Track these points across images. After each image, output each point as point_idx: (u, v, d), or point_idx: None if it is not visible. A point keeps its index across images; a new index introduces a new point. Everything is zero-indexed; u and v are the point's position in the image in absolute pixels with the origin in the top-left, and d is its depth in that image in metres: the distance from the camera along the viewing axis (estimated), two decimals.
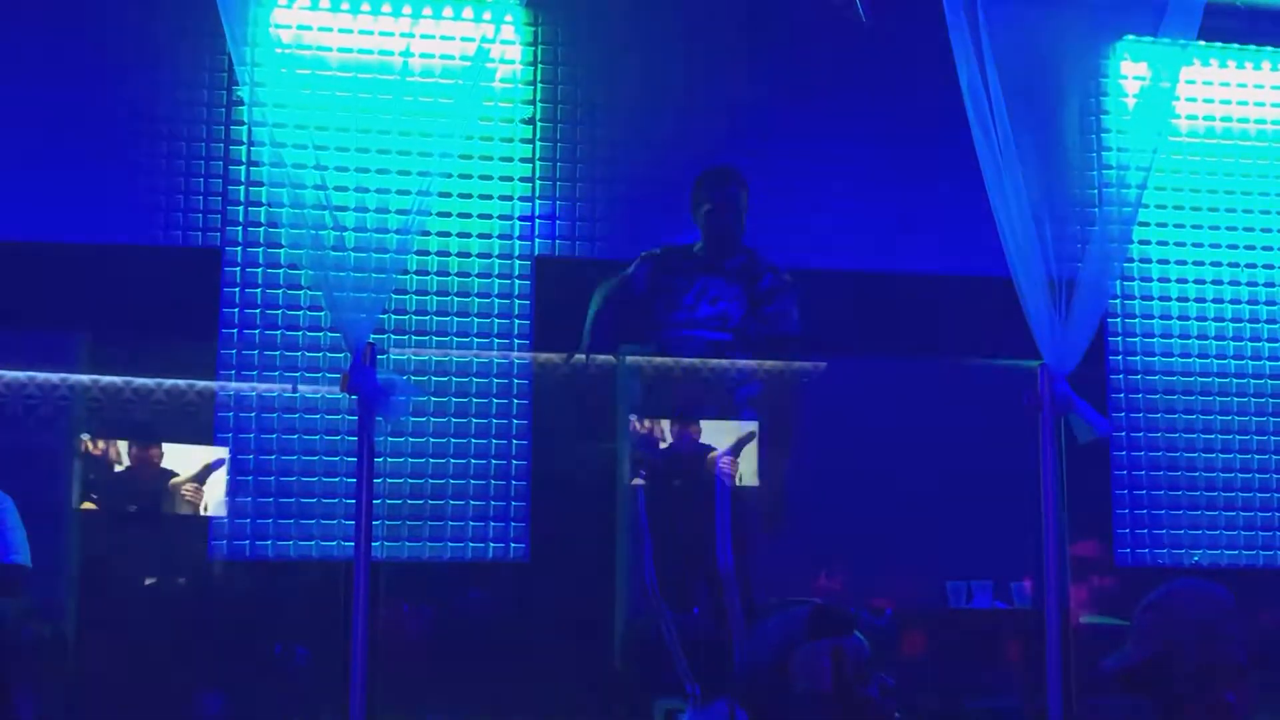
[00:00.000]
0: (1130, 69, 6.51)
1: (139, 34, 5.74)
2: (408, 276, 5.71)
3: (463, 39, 5.93)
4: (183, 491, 5.98)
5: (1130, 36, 6.17)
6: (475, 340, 5.87)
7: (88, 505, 5.92)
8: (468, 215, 5.94)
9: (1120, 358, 6.42)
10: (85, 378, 5.38)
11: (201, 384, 5.52)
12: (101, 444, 5.96)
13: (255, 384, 5.65)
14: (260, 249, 5.78)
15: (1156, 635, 2.49)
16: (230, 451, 5.64)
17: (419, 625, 5.96)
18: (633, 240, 5.82)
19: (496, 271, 5.92)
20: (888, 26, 5.32)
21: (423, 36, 5.89)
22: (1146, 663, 2.48)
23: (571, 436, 5.88)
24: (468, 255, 5.88)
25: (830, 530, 6.32)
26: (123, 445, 5.98)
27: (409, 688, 5.44)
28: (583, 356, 4.75)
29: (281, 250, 5.73)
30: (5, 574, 4.84)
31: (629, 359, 4.85)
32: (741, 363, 4.91)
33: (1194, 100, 6.62)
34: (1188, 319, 6.50)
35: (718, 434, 4.81)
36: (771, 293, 5.05)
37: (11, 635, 4.77)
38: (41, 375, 5.12)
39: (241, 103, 5.38)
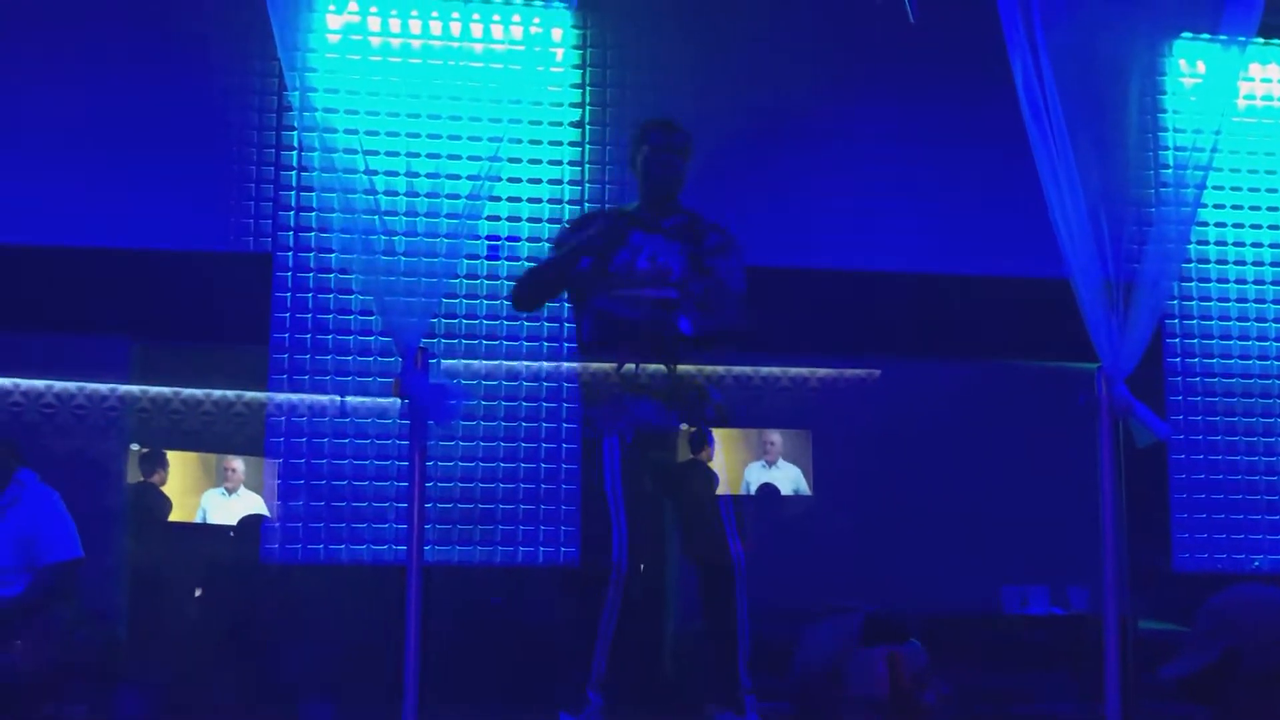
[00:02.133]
0: (1188, 66, 6.43)
1: (190, 40, 5.77)
2: (458, 281, 5.73)
3: (512, 43, 5.94)
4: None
5: (1188, 33, 6.09)
6: (525, 344, 5.87)
7: (142, 512, 5.99)
8: (517, 219, 5.94)
9: (1179, 359, 6.35)
10: (135, 388, 5.42)
11: (250, 394, 5.55)
12: (152, 451, 6.04)
13: (304, 394, 5.66)
14: (311, 254, 5.81)
15: (1217, 642, 2.44)
16: (282, 455, 5.68)
17: (470, 629, 5.95)
18: None
19: None
20: (939, 24, 5.26)
21: (472, 40, 5.91)
22: (1207, 670, 2.43)
23: None
24: (517, 259, 5.88)
25: (885, 534, 6.28)
26: (173, 453, 6.05)
27: (460, 691, 5.43)
28: (633, 367, 4.56)
29: (332, 255, 5.76)
30: (63, 571, 4.89)
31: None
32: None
33: (1253, 98, 6.54)
34: (1247, 320, 6.42)
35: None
36: (717, 250, 4.66)
37: (66, 637, 4.81)
38: (90, 386, 5.16)
39: (292, 108, 5.40)
